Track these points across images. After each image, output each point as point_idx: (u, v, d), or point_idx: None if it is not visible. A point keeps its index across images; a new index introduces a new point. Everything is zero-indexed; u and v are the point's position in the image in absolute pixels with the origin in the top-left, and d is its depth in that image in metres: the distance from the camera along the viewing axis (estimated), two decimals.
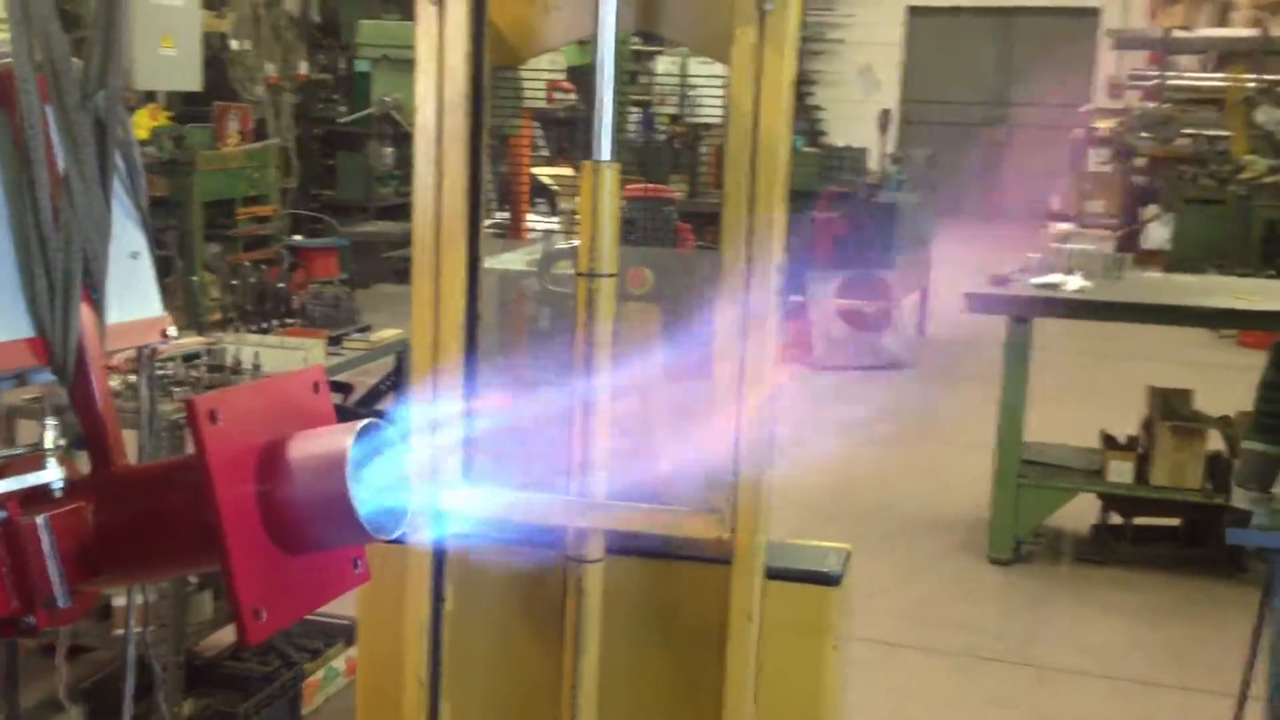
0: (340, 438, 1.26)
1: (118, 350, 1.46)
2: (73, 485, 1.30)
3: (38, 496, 1.26)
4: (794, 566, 2.53)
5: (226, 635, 4.05)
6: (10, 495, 1.23)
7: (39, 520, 1.21)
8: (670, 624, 2.60)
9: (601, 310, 2.44)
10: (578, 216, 2.56)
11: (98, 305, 1.38)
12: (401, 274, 8.89)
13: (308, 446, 1.27)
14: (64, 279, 1.34)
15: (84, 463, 1.38)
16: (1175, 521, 5.68)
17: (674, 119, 8.94)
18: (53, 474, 1.26)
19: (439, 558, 2.54)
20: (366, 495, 1.27)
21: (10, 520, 1.21)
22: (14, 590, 1.22)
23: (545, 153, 9.96)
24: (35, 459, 1.29)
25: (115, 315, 1.43)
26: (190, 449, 1.26)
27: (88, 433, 1.36)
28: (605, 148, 2.42)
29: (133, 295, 1.49)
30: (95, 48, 1.35)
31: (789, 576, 2.51)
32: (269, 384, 1.37)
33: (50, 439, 1.28)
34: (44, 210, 1.33)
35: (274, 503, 1.25)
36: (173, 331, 1.54)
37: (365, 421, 1.29)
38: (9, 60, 1.35)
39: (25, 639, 1.28)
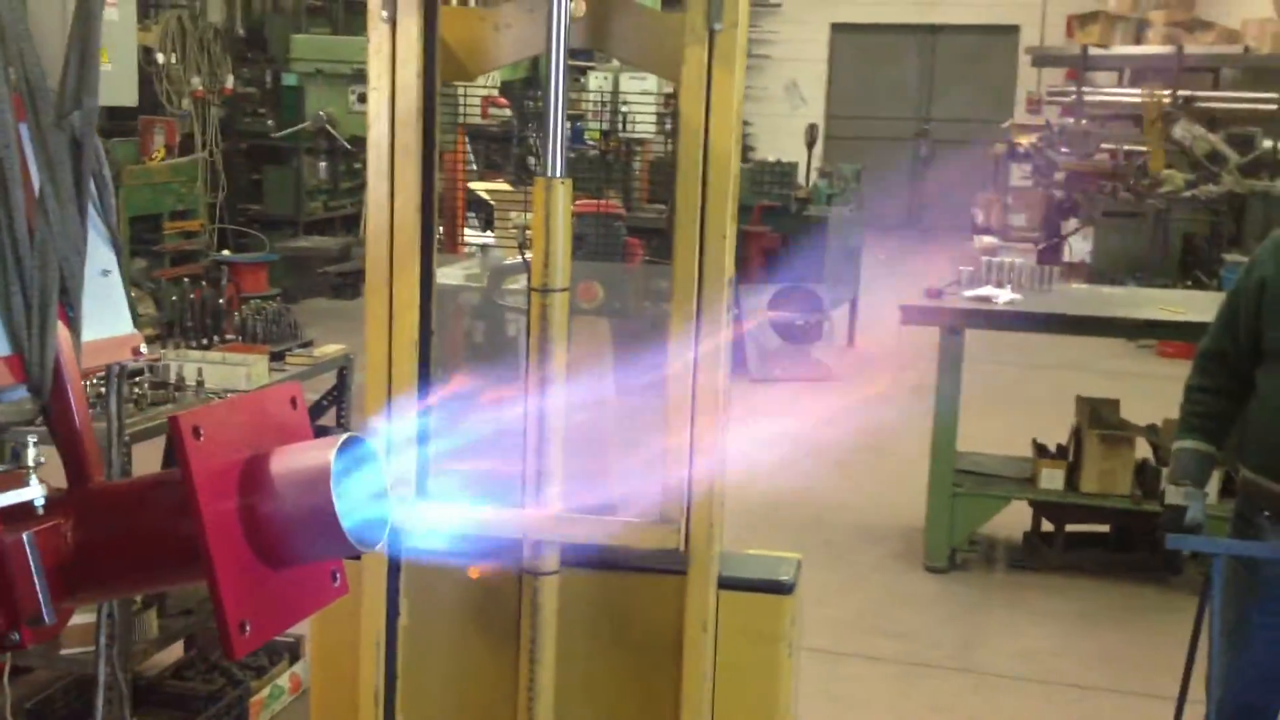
0: (323, 452, 1.28)
1: (92, 368, 1.45)
2: (51, 501, 1.30)
3: (19, 513, 1.26)
4: (747, 576, 2.58)
5: (169, 655, 4.02)
6: None
7: (25, 536, 1.21)
8: (626, 635, 2.62)
9: (555, 323, 2.46)
10: (529, 231, 2.59)
11: (73, 323, 1.38)
12: (337, 289, 8.84)
13: (291, 461, 1.28)
14: (40, 297, 1.33)
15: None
16: (1105, 528, 5.81)
17: (606, 134, 8.98)
18: (35, 490, 1.26)
19: (394, 572, 2.55)
20: (348, 508, 1.28)
21: None
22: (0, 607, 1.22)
23: (474, 167, 9.95)
24: (16, 476, 1.29)
25: (88, 333, 1.43)
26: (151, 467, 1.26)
27: (65, 449, 1.36)
28: (558, 164, 2.45)
29: (105, 312, 1.50)
30: (70, 68, 1.35)
31: (742, 586, 2.55)
32: (248, 399, 1.38)
33: (31, 455, 1.28)
34: (20, 229, 1.33)
35: (258, 517, 1.26)
36: (144, 349, 1.54)
37: (346, 435, 1.31)
38: None
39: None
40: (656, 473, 2.49)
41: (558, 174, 2.43)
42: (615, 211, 3.26)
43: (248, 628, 1.26)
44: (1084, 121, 14.12)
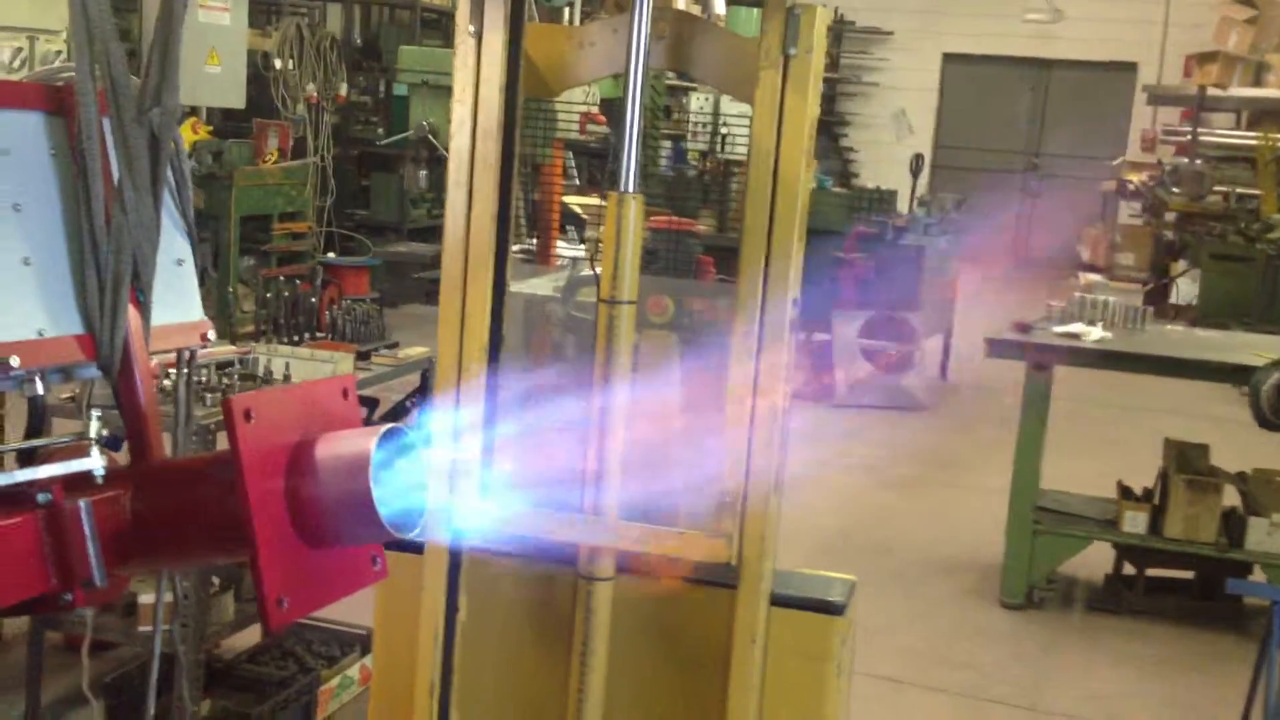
0: (365, 440, 1.35)
1: (160, 351, 1.54)
2: (112, 474, 1.38)
3: (80, 482, 1.34)
4: (799, 594, 2.60)
5: (245, 638, 4.14)
6: (55, 479, 1.31)
7: (81, 504, 1.29)
8: (677, 644, 2.66)
9: (620, 335, 2.52)
10: (601, 245, 2.65)
11: (144, 307, 1.47)
12: (431, 295, 9.00)
13: (334, 447, 1.35)
14: (113, 281, 1.42)
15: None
16: (1188, 574, 5.70)
17: (704, 155, 9.04)
18: (95, 461, 1.35)
19: (454, 569, 2.62)
20: (387, 495, 1.35)
21: (54, 503, 1.30)
22: (54, 569, 1.30)
23: (577, 182, 10.07)
24: (79, 448, 1.38)
25: (159, 318, 1.52)
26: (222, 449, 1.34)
27: (129, 426, 1.45)
28: (630, 179, 2.51)
29: (176, 299, 1.58)
30: (153, 67, 1.44)
31: (794, 604, 2.58)
32: (301, 388, 1.46)
33: (94, 429, 1.37)
34: (97, 216, 1.42)
35: (300, 498, 1.33)
36: (212, 335, 1.63)
37: (388, 426, 1.38)
38: (72, 75, 1.45)
39: (62, 613, 1.36)
40: (713, 487, 2.53)
41: (630, 188, 2.49)
42: (689, 228, 3.30)
43: (285, 603, 1.33)
44: (1198, 161, 13.86)
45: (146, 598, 3.33)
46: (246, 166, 9.03)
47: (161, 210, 1.47)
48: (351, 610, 4.25)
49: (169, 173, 1.50)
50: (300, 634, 4.24)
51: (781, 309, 2.44)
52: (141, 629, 3.38)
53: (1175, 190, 13.07)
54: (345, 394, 1.49)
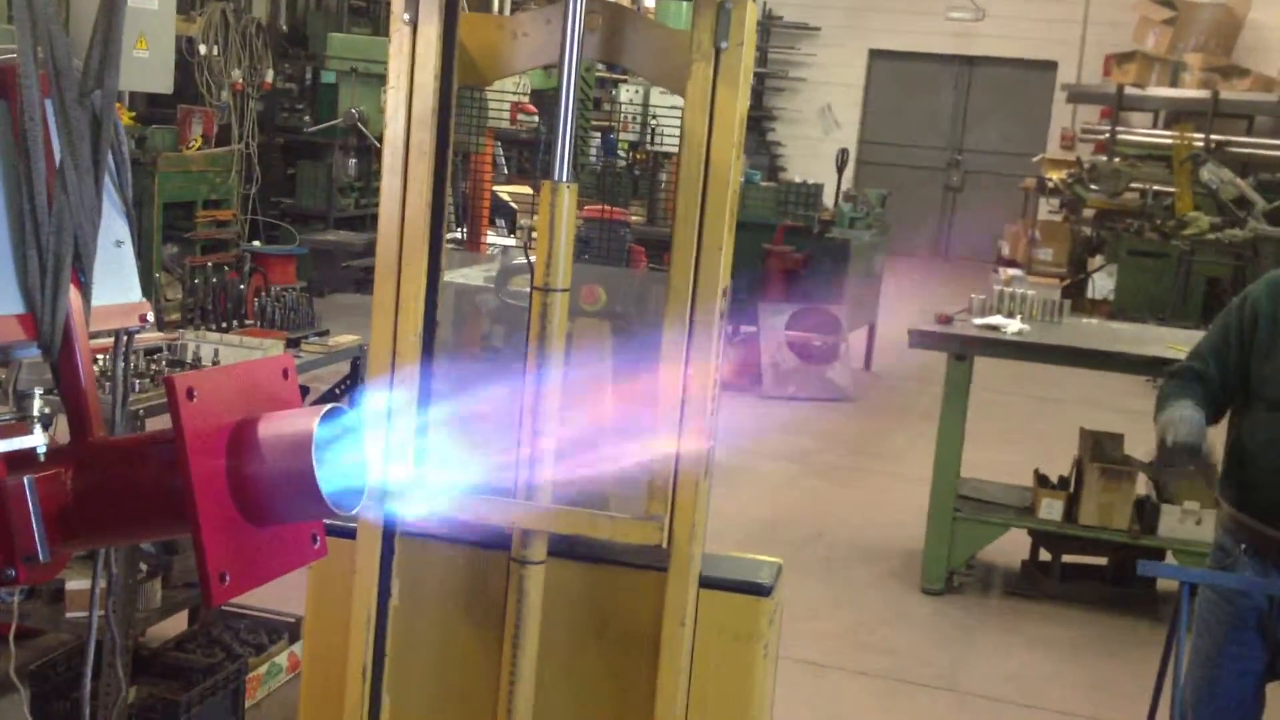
0: (307, 419, 1.37)
1: (99, 331, 1.55)
2: (53, 452, 1.40)
3: (22, 460, 1.36)
4: (727, 576, 2.65)
5: (171, 626, 4.12)
6: None
7: (25, 480, 1.30)
8: (608, 626, 2.70)
9: (554, 322, 2.56)
10: (535, 233, 2.68)
11: (85, 288, 1.48)
12: (360, 284, 8.98)
13: (276, 426, 1.38)
14: (55, 261, 1.43)
15: None
16: (1102, 560, 5.85)
17: (634, 146, 9.08)
18: (38, 439, 1.36)
19: (387, 552, 2.64)
20: (329, 473, 1.37)
21: None
22: None
23: (505, 172, 10.06)
24: (20, 425, 1.39)
25: (98, 299, 1.53)
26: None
27: (69, 404, 1.46)
28: (564, 169, 2.55)
29: (115, 281, 1.59)
30: (95, 49, 1.45)
31: (722, 585, 2.63)
32: (242, 368, 1.47)
33: (37, 406, 1.38)
34: (39, 196, 1.43)
35: (243, 476, 1.35)
36: (150, 317, 1.64)
37: (330, 405, 1.40)
38: (13, 56, 1.46)
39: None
40: (644, 471, 2.58)
41: (564, 178, 2.52)
42: (622, 218, 3.35)
43: (226, 578, 1.35)
44: (1115, 160, 14.15)
45: (74, 584, 3.31)
46: (170, 153, 8.93)
47: (103, 191, 1.48)
48: (279, 598, 4.26)
49: (109, 154, 1.51)
50: (227, 622, 4.23)
51: (712, 298, 2.49)
52: (69, 615, 3.35)
53: (1093, 187, 13.34)
54: (285, 374, 1.51)
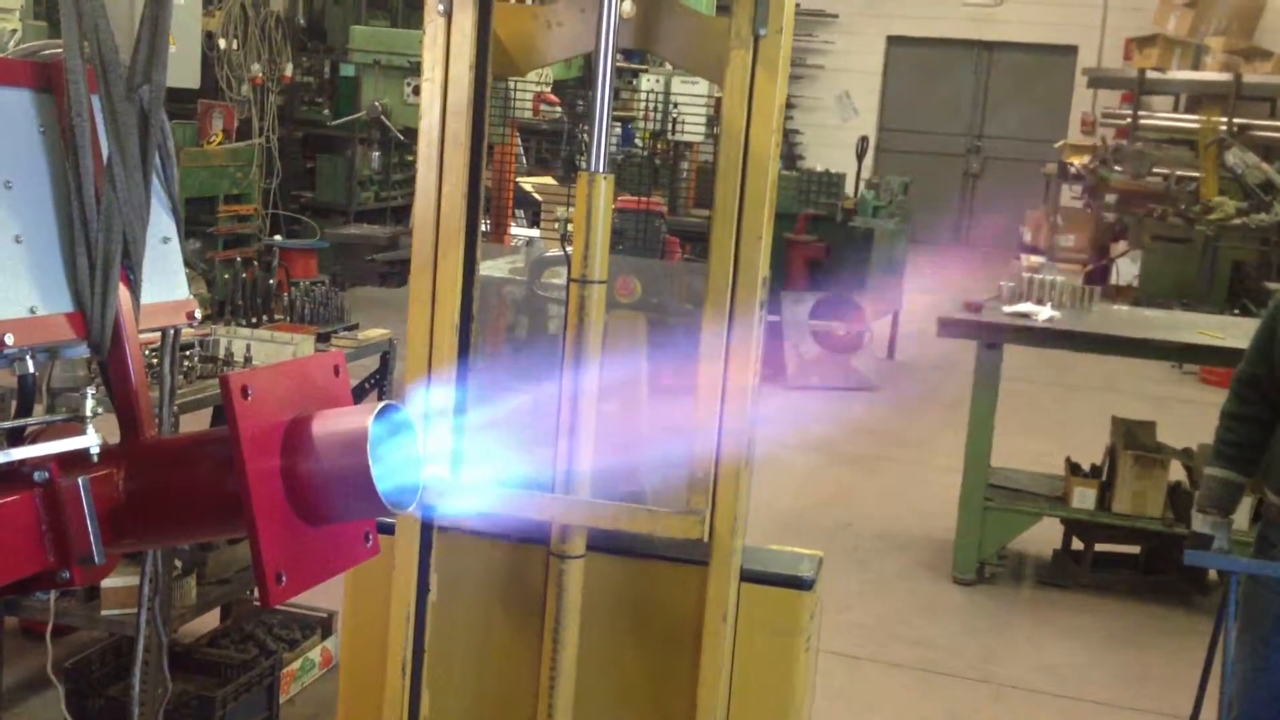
0: (362, 417, 1.35)
1: (147, 329, 1.53)
2: (105, 452, 1.38)
3: (75, 460, 1.34)
4: (769, 570, 2.63)
5: (203, 623, 4.12)
6: (51, 457, 1.31)
7: (80, 481, 1.29)
8: (648, 621, 2.68)
9: (591, 315, 2.53)
10: (571, 226, 2.66)
11: (134, 285, 1.46)
12: (385, 277, 8.95)
13: (331, 424, 1.36)
14: (104, 259, 1.42)
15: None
16: (1135, 549, 5.81)
17: (655, 136, 9.04)
18: (91, 439, 1.34)
19: (425, 548, 2.63)
20: (383, 471, 1.35)
21: (52, 481, 1.29)
22: (51, 547, 1.30)
23: (524, 163, 10.02)
24: (73, 425, 1.37)
25: (146, 297, 1.51)
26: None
27: (120, 404, 1.44)
28: (601, 160, 2.52)
29: (162, 278, 1.57)
30: (143, 43, 1.43)
31: (764, 579, 2.61)
32: (294, 365, 1.46)
33: (89, 406, 1.37)
34: (88, 193, 1.41)
35: (298, 475, 1.34)
36: (198, 314, 1.62)
37: (384, 403, 1.38)
38: (57, 51, 1.44)
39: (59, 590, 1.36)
40: (684, 465, 2.55)
41: (601, 169, 2.50)
42: (657, 209, 3.32)
43: (284, 578, 1.33)
44: (1138, 144, 14.05)
45: (110, 581, 3.31)
46: (191, 147, 8.92)
47: (151, 188, 1.47)
48: (311, 593, 4.25)
49: (155, 150, 1.49)
50: (260, 617, 4.22)
51: (752, 288, 2.46)
52: (105, 612, 3.35)
53: (1117, 168, 13.24)
54: (336, 371, 1.49)
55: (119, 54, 1.42)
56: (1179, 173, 12.92)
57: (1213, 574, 5.44)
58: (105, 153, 1.43)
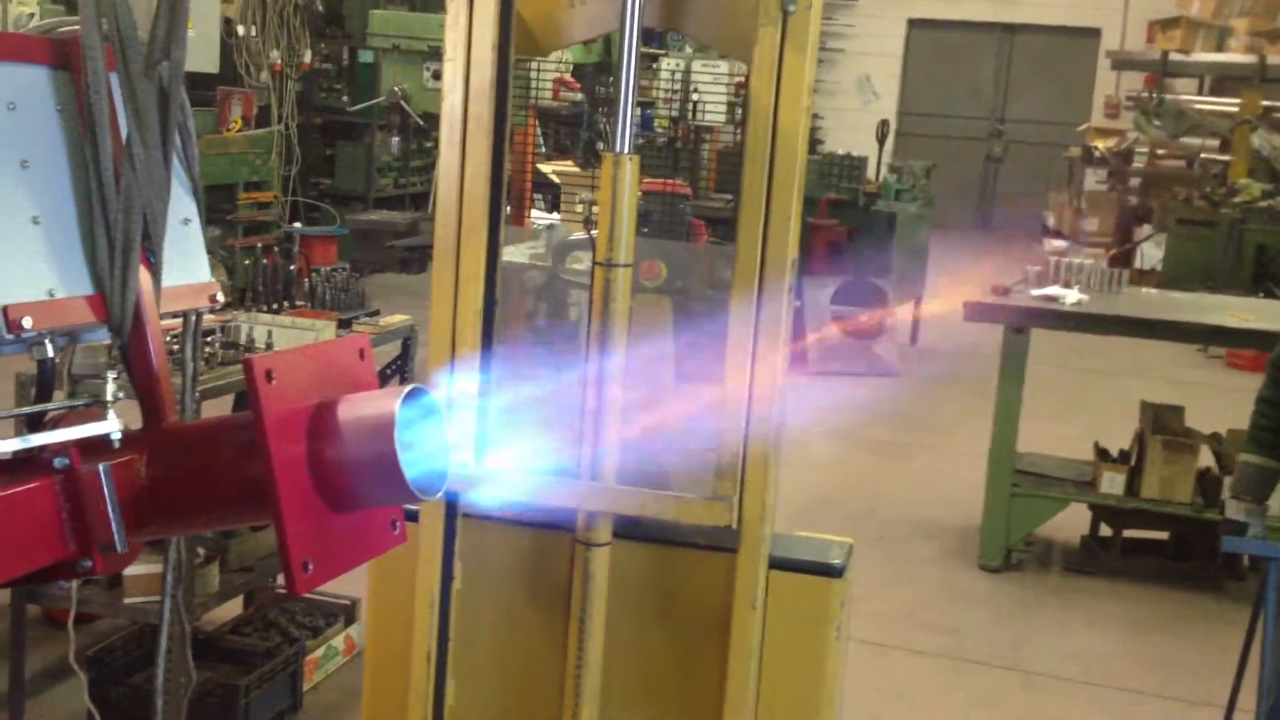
0: (388, 401, 1.31)
1: (168, 313, 1.50)
2: (126, 437, 1.35)
3: (96, 446, 1.31)
4: (798, 557, 2.59)
5: (226, 611, 4.10)
6: (71, 443, 1.28)
7: (101, 468, 1.25)
8: (676, 609, 2.64)
9: (617, 298, 2.49)
10: (595, 209, 2.61)
11: (154, 268, 1.43)
12: (405, 263, 8.93)
13: (358, 408, 1.32)
14: (124, 240, 1.38)
15: None
16: (1164, 535, 5.75)
17: (675, 120, 8.98)
18: (112, 425, 1.31)
19: (450, 536, 2.59)
20: (410, 457, 1.32)
21: (72, 467, 1.26)
22: (73, 535, 1.27)
23: (542, 149, 9.95)
24: (94, 411, 1.34)
25: (167, 279, 1.48)
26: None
27: (141, 388, 1.41)
28: (626, 141, 2.47)
29: (183, 260, 1.54)
30: (161, 20, 1.40)
31: (793, 566, 2.57)
32: (318, 348, 1.42)
33: (110, 391, 1.33)
34: (106, 173, 1.38)
35: (324, 460, 1.30)
36: (220, 297, 1.59)
37: (411, 386, 1.35)
38: (74, 29, 1.40)
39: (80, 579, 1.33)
40: (712, 450, 2.51)
41: (626, 150, 2.45)
42: (682, 192, 3.28)
43: (310, 566, 1.30)
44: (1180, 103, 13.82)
45: (133, 569, 3.28)
46: (210, 135, 8.91)
47: (171, 168, 1.43)
48: (334, 581, 4.23)
49: (175, 129, 1.46)
50: (283, 605, 4.21)
51: (781, 270, 2.42)
52: (128, 600, 3.33)
53: (1156, 123, 13.03)
54: (361, 355, 1.46)
55: (137, 30, 1.39)
56: (1204, 156, 12.79)
57: (1247, 559, 5.38)
58: (124, 131, 1.39)
